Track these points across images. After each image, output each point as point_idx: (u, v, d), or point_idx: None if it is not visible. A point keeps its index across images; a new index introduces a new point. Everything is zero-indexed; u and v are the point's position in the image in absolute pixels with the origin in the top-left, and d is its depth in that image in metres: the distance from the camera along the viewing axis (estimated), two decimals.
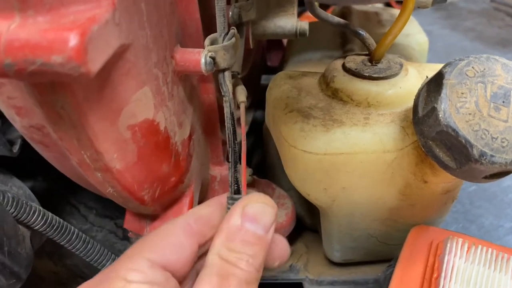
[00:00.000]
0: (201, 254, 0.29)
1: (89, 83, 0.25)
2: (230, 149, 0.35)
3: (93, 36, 0.22)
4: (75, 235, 0.40)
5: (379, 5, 1.02)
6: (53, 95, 0.25)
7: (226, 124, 0.35)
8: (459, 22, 1.27)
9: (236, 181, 0.34)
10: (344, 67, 0.45)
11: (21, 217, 0.38)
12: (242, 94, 0.42)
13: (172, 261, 0.27)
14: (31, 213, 0.39)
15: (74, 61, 0.21)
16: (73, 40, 0.21)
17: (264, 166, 0.66)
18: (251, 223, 0.27)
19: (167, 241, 0.27)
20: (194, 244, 0.28)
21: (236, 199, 0.31)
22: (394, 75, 0.44)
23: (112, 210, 0.61)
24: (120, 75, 0.27)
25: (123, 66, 0.27)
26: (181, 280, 0.28)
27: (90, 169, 0.31)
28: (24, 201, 0.38)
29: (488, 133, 0.34)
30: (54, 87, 0.25)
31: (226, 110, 0.35)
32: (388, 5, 1.10)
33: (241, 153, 0.36)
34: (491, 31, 1.21)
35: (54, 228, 0.39)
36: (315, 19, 0.51)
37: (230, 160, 0.35)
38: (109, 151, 0.29)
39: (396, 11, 0.76)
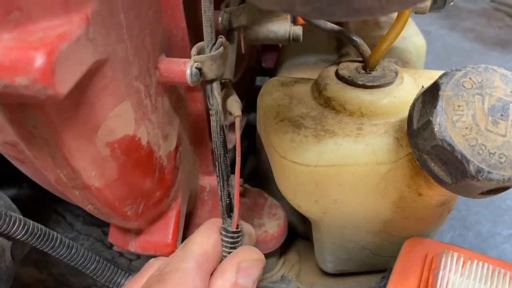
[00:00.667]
0: None
1: (62, 102, 0.24)
2: (217, 163, 0.34)
3: (62, 55, 0.20)
4: (58, 241, 0.39)
5: None
6: (24, 114, 0.24)
7: (212, 138, 0.33)
8: (458, 22, 1.25)
9: (228, 195, 0.33)
10: (337, 75, 0.44)
11: (0, 228, 0.37)
12: (236, 107, 0.40)
13: None
14: (11, 223, 0.37)
15: (40, 83, 0.20)
16: (39, 60, 0.20)
17: (258, 173, 0.65)
18: (244, 278, 0.30)
19: None
20: (207, 284, 0.29)
21: (230, 233, 0.32)
22: (389, 83, 0.42)
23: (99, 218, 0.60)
24: (96, 91, 0.26)
25: (99, 82, 0.26)
26: None
27: (67, 187, 0.29)
28: (2, 212, 0.37)
29: (486, 148, 0.33)
30: (25, 107, 0.23)
31: (213, 124, 0.33)
32: None
33: (232, 164, 0.35)
34: (490, 32, 1.20)
35: (36, 236, 0.38)
36: None
37: (217, 174, 0.34)
38: (86, 169, 0.28)
39: (393, 14, 0.74)
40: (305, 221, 0.58)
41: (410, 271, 0.42)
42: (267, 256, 0.54)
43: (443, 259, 0.41)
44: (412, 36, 0.67)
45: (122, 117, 0.29)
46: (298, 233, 0.60)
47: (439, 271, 0.40)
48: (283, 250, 0.58)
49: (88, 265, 0.41)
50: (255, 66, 0.77)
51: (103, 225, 0.59)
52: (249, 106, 0.73)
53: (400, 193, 0.41)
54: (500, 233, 0.67)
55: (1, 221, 0.37)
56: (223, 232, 0.32)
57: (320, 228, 0.46)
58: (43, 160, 0.27)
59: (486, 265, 0.41)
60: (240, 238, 0.33)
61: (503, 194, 0.73)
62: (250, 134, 0.69)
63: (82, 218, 0.59)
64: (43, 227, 0.39)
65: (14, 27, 0.21)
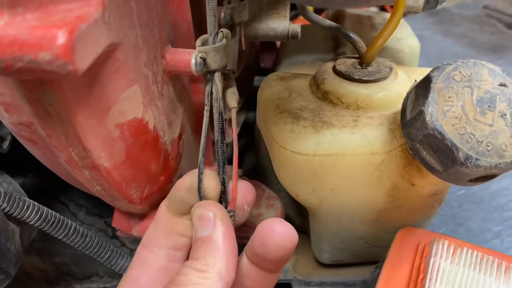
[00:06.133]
0: None
1: (77, 81, 0.26)
2: (218, 150, 0.35)
3: (82, 34, 0.22)
4: (72, 228, 0.40)
5: (373, 9, 1.03)
6: (42, 92, 0.25)
7: (214, 126, 0.35)
8: (452, 28, 1.28)
9: (223, 182, 0.34)
10: (334, 70, 0.46)
11: (13, 212, 0.38)
12: (233, 99, 0.42)
13: None
14: (24, 208, 0.38)
15: (61, 58, 0.21)
16: (61, 37, 0.21)
17: (256, 167, 0.66)
18: (197, 230, 0.29)
19: None
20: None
21: None
22: (384, 78, 0.44)
23: (102, 208, 0.61)
24: (109, 74, 0.27)
25: (112, 65, 0.27)
26: None
27: (77, 167, 0.31)
28: (16, 196, 0.38)
29: (474, 137, 0.34)
30: (43, 84, 0.25)
31: (215, 111, 0.35)
32: (383, 9, 1.11)
33: (230, 154, 0.36)
34: (483, 37, 1.22)
35: (50, 222, 0.39)
36: (308, 23, 0.51)
37: (217, 160, 0.35)
38: (97, 149, 0.29)
39: (388, 15, 0.76)
40: (301, 214, 0.60)
41: (403, 258, 0.44)
42: None
43: (435, 247, 0.42)
44: (406, 38, 0.69)
45: (131, 100, 0.30)
46: (295, 226, 0.61)
47: (431, 258, 0.42)
48: None
49: (103, 254, 0.41)
50: (253, 65, 0.79)
51: (105, 216, 0.60)
52: (247, 104, 0.75)
53: (393, 183, 0.43)
54: (490, 229, 0.69)
55: (15, 204, 0.38)
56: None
57: (316, 217, 0.48)
58: (56, 138, 0.28)
59: (475, 252, 0.42)
60: (233, 218, 0.33)
61: (493, 192, 0.76)
62: (248, 131, 0.71)
63: (85, 208, 0.60)
64: (57, 214, 0.39)
65: (37, 8, 0.22)
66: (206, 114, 0.34)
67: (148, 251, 0.30)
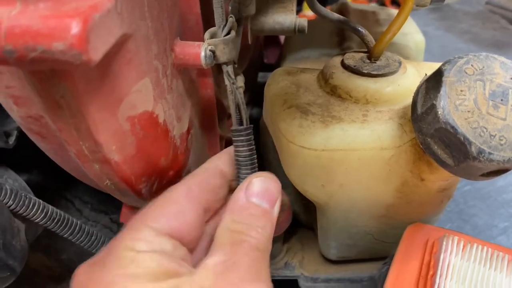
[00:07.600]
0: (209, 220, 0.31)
1: (90, 72, 0.25)
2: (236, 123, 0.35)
3: (95, 24, 0.22)
4: (78, 227, 0.40)
5: (374, 5, 1.03)
6: (53, 84, 0.25)
7: (232, 113, 0.35)
8: (454, 24, 1.27)
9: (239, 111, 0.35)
10: (343, 64, 0.45)
11: (19, 210, 0.37)
12: (240, 80, 0.42)
13: (176, 227, 0.27)
14: (30, 206, 0.38)
15: (75, 49, 0.21)
16: (75, 27, 0.21)
17: (261, 163, 0.66)
18: (256, 198, 0.29)
19: (168, 209, 0.28)
20: (198, 208, 0.29)
21: (240, 131, 0.33)
22: (393, 72, 0.44)
23: (107, 205, 0.61)
24: (121, 65, 0.27)
25: (124, 56, 0.27)
26: (191, 246, 0.28)
27: (88, 161, 0.30)
28: (22, 194, 0.38)
29: (487, 131, 0.34)
30: (54, 76, 0.24)
31: (230, 103, 0.35)
32: (382, 5, 1.11)
33: None
34: (486, 33, 1.22)
35: (56, 220, 0.39)
36: (311, 18, 0.51)
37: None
38: (108, 142, 0.29)
39: (393, 11, 0.76)
40: (308, 210, 0.60)
41: (412, 254, 0.44)
42: None
43: (444, 243, 0.42)
44: (412, 33, 0.69)
45: (142, 93, 0.30)
46: (301, 222, 0.61)
47: (441, 254, 0.41)
48: (286, 238, 0.59)
49: None
50: (257, 61, 0.79)
51: (111, 213, 0.60)
52: (251, 100, 0.74)
53: (403, 178, 0.43)
54: (496, 225, 0.69)
55: (21, 202, 0.37)
56: (235, 133, 0.33)
57: (325, 213, 0.48)
58: (67, 132, 0.28)
59: (485, 248, 0.42)
60: (252, 134, 0.34)
61: (500, 188, 0.76)
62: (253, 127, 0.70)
63: (90, 205, 0.60)
64: (62, 212, 0.39)
65: None
66: (237, 91, 0.35)
67: (199, 191, 0.30)
